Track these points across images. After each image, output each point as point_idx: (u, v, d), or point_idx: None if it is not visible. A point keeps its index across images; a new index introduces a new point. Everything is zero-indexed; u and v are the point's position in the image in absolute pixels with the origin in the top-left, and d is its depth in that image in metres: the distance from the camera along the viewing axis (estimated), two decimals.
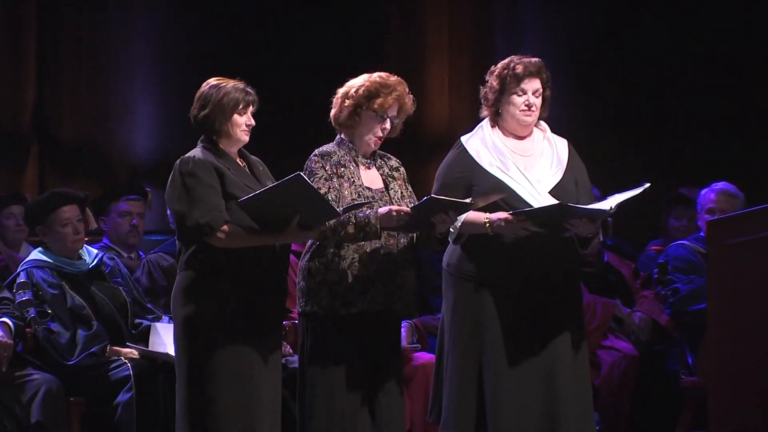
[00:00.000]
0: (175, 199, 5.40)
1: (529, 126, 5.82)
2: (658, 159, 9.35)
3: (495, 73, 5.81)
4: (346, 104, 5.73)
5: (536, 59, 5.81)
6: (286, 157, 5.75)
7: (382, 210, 5.58)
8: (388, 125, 5.73)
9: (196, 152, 5.46)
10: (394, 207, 5.59)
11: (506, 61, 5.82)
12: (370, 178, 5.78)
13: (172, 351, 5.80)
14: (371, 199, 5.67)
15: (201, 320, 5.38)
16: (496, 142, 5.80)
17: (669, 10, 9.55)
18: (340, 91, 5.77)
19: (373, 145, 5.76)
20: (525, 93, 5.77)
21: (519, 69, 5.76)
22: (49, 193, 6.96)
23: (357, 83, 5.73)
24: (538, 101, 5.79)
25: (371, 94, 5.70)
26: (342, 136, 5.80)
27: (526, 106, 5.77)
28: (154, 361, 6.51)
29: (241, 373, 5.37)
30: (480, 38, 9.81)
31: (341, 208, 5.46)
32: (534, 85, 5.77)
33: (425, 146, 9.49)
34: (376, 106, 5.70)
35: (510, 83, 5.76)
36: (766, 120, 9.31)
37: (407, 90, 5.76)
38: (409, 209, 5.56)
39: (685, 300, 7.39)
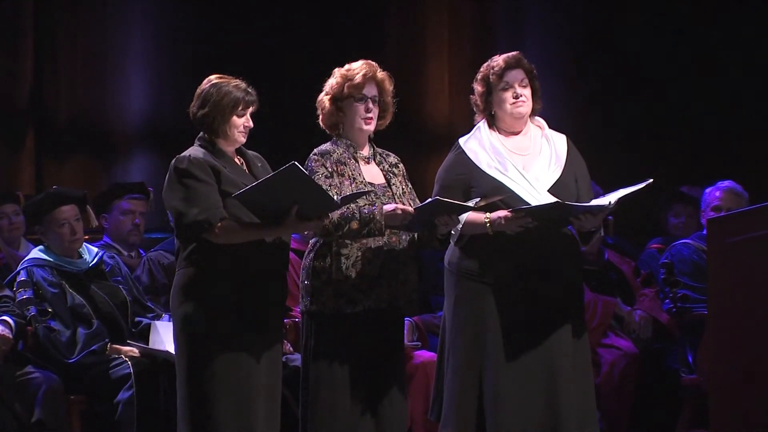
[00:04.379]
0: (172, 197, 5.40)
1: (523, 117, 5.84)
2: (658, 157, 9.36)
3: (479, 78, 5.86)
4: (326, 103, 5.79)
5: (515, 52, 5.86)
6: (283, 155, 5.74)
7: (388, 207, 5.60)
8: (371, 105, 5.77)
9: (192, 151, 5.46)
10: (400, 206, 5.61)
11: (486, 63, 5.86)
12: (372, 173, 5.80)
13: (172, 349, 5.80)
14: (374, 195, 5.68)
15: (199, 318, 5.38)
16: (494, 142, 5.81)
17: (671, 9, 9.55)
18: (320, 95, 5.83)
19: (364, 127, 5.78)
20: (511, 86, 5.79)
21: (500, 64, 5.80)
22: (46, 192, 6.95)
23: (330, 81, 5.81)
24: (526, 91, 5.82)
25: (341, 82, 5.76)
26: (335, 136, 5.83)
27: (514, 97, 5.79)
28: (154, 359, 6.51)
29: (238, 372, 5.37)
30: (480, 36, 9.82)
31: (339, 198, 5.46)
32: (517, 75, 5.80)
33: (425, 144, 9.51)
34: (350, 90, 5.74)
35: (494, 81, 5.80)
36: (765, 119, 9.32)
37: (378, 68, 5.80)
38: (413, 210, 5.58)
39: (692, 305, 7.41)
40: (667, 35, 9.59)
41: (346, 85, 5.74)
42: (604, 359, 7.51)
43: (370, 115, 5.77)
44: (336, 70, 5.81)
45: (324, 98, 5.80)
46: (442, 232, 5.70)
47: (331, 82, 5.79)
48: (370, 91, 5.77)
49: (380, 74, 5.79)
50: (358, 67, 5.77)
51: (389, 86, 5.82)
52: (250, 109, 5.50)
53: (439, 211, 5.56)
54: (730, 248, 5.91)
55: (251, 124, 5.52)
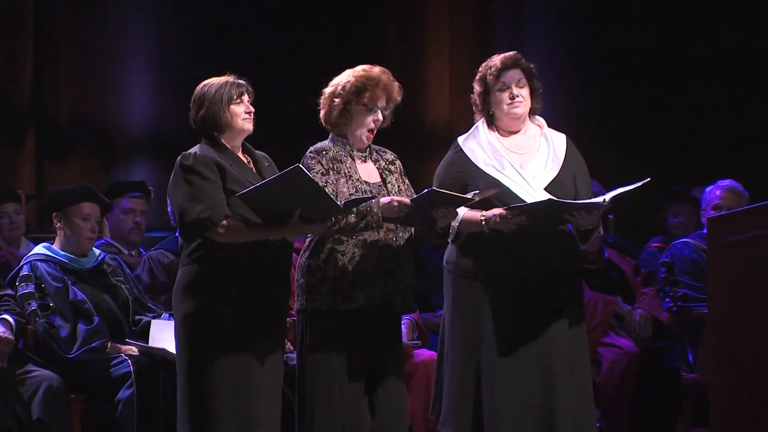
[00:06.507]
0: (176, 193, 5.44)
1: (520, 118, 5.84)
2: (658, 156, 9.37)
3: (477, 78, 5.86)
4: (335, 103, 5.74)
5: (513, 52, 5.86)
6: (284, 157, 5.76)
7: (384, 200, 5.60)
8: (379, 116, 5.76)
9: (198, 148, 5.50)
10: (396, 197, 5.60)
11: (484, 63, 5.87)
12: (367, 171, 5.79)
13: (171, 347, 5.80)
14: (369, 194, 5.67)
15: (201, 316, 5.40)
16: (492, 141, 5.81)
17: (671, 7, 9.56)
18: (327, 90, 5.79)
19: (365, 140, 5.78)
20: (508, 86, 5.79)
21: (496, 65, 5.80)
22: (80, 185, 6.98)
23: (342, 80, 5.76)
24: (523, 92, 5.82)
25: (359, 88, 5.72)
26: (334, 134, 5.82)
27: (510, 98, 5.79)
28: (153, 358, 6.51)
29: (239, 370, 5.39)
30: (480, 35, 9.83)
31: (342, 202, 5.46)
32: (514, 76, 5.80)
33: (426, 143, 9.50)
34: (366, 100, 5.72)
35: (491, 81, 5.80)
36: (765, 118, 9.33)
37: (392, 78, 5.78)
38: (409, 201, 5.57)
39: (693, 304, 7.42)
40: (667, 34, 9.59)
41: (362, 93, 5.70)
42: (604, 358, 7.51)
43: (373, 127, 5.76)
44: (351, 70, 5.76)
45: (334, 98, 5.75)
46: (441, 225, 5.69)
47: (344, 81, 5.73)
48: (382, 102, 5.75)
49: (393, 86, 5.76)
50: (376, 76, 5.72)
51: (398, 97, 5.79)
52: (246, 97, 5.55)
53: (435, 203, 5.55)
54: (730, 247, 5.90)
55: (252, 109, 5.56)
